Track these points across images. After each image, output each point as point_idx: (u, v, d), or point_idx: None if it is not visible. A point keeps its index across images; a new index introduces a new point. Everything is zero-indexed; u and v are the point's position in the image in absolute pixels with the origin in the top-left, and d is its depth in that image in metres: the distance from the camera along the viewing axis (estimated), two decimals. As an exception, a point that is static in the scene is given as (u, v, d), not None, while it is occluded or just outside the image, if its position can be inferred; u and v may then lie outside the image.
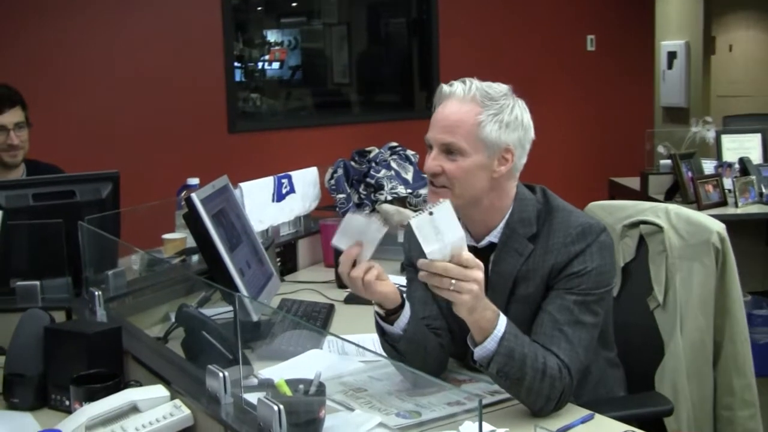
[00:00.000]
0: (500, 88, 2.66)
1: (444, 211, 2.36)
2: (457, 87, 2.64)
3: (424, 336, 2.70)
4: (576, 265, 2.61)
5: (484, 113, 2.59)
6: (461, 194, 2.56)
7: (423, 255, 2.44)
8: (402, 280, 3.07)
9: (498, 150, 2.61)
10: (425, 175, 2.68)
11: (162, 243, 4.01)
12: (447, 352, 2.81)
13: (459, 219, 2.38)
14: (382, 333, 2.67)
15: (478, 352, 2.46)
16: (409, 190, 4.56)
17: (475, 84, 2.63)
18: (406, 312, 2.63)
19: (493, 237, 2.70)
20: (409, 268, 2.93)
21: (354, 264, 2.52)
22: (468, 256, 2.37)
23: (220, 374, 2.27)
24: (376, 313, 2.65)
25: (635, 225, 3.32)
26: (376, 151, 4.77)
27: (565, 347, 2.53)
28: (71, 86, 6.88)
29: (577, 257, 2.61)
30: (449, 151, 2.60)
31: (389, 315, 2.63)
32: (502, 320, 2.46)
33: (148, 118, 7.20)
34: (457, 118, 2.60)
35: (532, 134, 2.69)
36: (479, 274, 2.37)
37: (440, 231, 2.36)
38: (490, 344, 2.44)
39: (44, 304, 3.20)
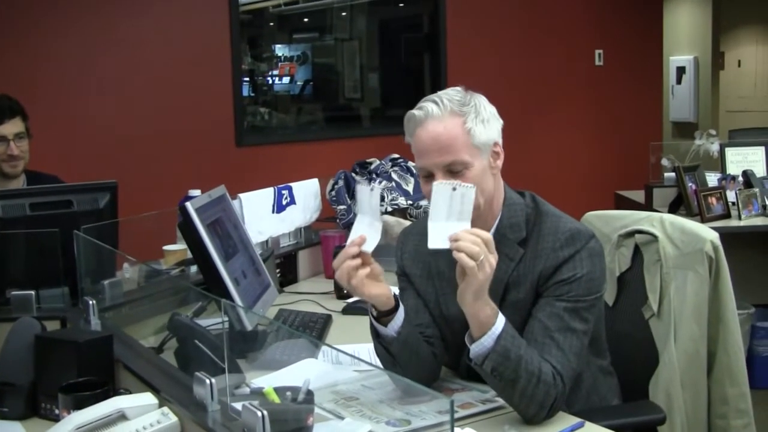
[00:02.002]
0: (459, 90, 2.66)
1: (465, 195, 2.41)
2: (430, 107, 2.60)
3: (418, 341, 2.69)
4: (565, 272, 2.60)
5: (468, 120, 2.59)
6: (478, 202, 2.54)
7: (415, 263, 2.45)
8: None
9: (490, 148, 2.63)
10: None
11: (163, 254, 4.02)
12: (439, 361, 2.81)
13: None
14: (377, 335, 2.66)
15: (475, 348, 2.45)
16: (410, 202, 4.56)
17: (443, 97, 2.62)
18: (401, 314, 2.62)
19: (485, 242, 2.69)
20: (402, 276, 2.93)
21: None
22: (488, 236, 2.40)
23: (207, 381, 2.27)
24: (371, 313, 2.65)
25: (631, 234, 3.31)
26: (377, 162, 4.77)
27: (556, 354, 2.53)
28: (77, 98, 6.86)
29: (566, 263, 2.61)
30: (453, 170, 2.58)
31: (383, 316, 2.62)
32: (501, 319, 2.46)
33: (154, 131, 7.18)
34: (449, 136, 2.58)
35: (500, 119, 2.70)
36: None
37: (452, 208, 2.41)
38: (487, 341, 2.43)
39: (39, 313, 3.19)
